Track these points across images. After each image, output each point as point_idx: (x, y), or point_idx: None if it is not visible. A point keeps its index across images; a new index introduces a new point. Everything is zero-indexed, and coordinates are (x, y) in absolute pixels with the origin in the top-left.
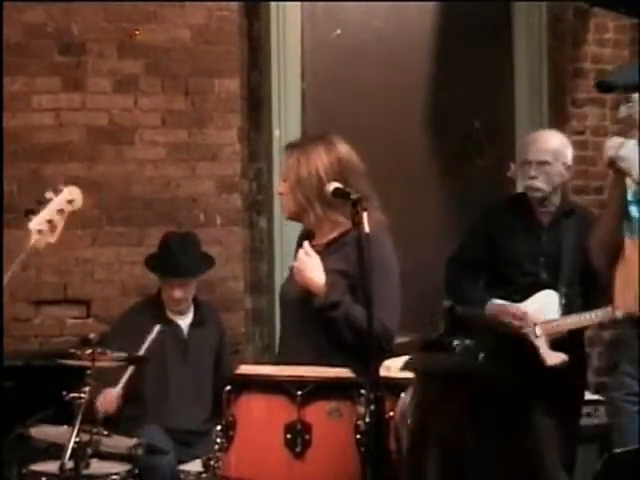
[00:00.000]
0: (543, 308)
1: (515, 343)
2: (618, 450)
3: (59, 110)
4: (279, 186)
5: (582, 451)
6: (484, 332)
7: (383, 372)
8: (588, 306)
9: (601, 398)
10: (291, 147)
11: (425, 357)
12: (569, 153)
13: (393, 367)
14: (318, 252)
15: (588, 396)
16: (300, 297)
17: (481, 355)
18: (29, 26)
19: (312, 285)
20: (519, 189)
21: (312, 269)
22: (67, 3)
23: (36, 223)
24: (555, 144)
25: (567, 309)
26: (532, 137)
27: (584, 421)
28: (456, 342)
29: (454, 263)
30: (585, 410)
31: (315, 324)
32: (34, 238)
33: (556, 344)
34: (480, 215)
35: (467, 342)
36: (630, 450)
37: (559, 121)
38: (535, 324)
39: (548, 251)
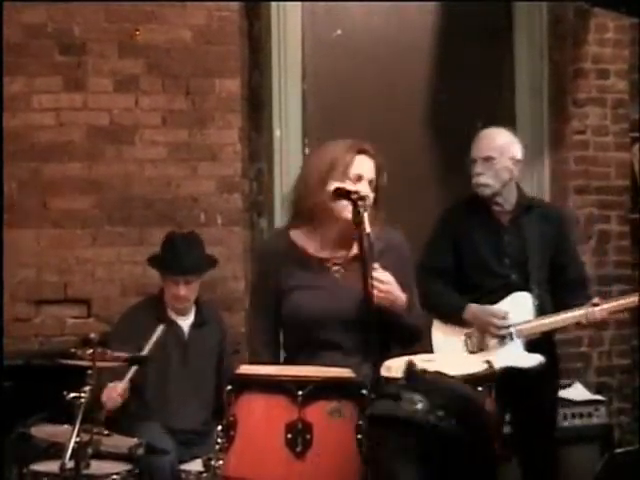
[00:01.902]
0: (517, 310)
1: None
2: (619, 450)
3: (59, 110)
4: (368, 189)
5: (582, 451)
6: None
7: (384, 372)
8: (558, 303)
9: (602, 398)
10: (374, 152)
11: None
12: (516, 149)
13: (393, 367)
14: (347, 264)
15: (589, 396)
16: (354, 311)
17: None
18: (29, 26)
19: (398, 302)
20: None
21: (396, 287)
22: (67, 3)
23: None
24: (500, 140)
25: (540, 309)
26: (478, 136)
27: (584, 421)
28: (405, 394)
29: (424, 271)
30: (586, 410)
31: (361, 332)
32: None
33: (528, 346)
34: (441, 220)
35: (415, 396)
36: (631, 450)
37: (560, 121)
38: (510, 327)
39: (512, 251)
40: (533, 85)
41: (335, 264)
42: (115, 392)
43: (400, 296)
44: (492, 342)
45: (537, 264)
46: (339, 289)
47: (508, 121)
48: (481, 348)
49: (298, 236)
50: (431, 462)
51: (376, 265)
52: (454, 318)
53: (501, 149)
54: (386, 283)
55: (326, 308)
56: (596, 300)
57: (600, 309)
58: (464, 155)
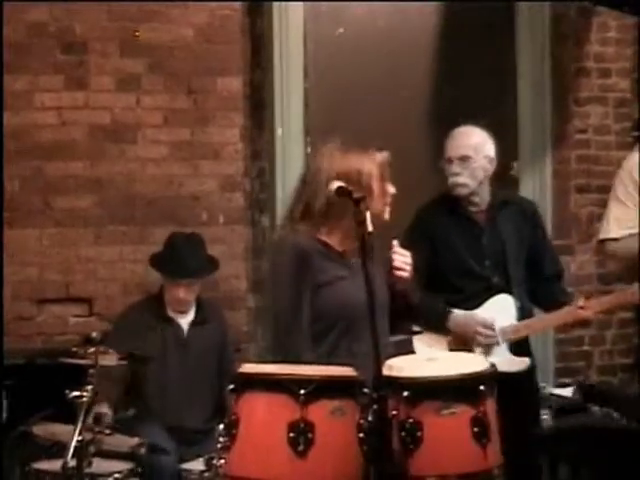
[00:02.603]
0: (500, 313)
1: None
2: None
3: (62, 109)
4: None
5: None
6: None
7: (386, 371)
8: (537, 298)
9: None
10: None
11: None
12: (490, 147)
13: (395, 366)
14: (355, 256)
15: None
16: (385, 296)
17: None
18: (32, 25)
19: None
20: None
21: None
22: (70, 2)
23: None
24: (475, 139)
25: (521, 311)
26: (451, 135)
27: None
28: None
29: None
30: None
31: (387, 318)
32: None
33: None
34: (415, 221)
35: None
36: None
37: (562, 120)
38: (497, 333)
39: (492, 252)
40: (535, 84)
41: (353, 256)
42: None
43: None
44: (478, 350)
45: (515, 264)
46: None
47: (510, 120)
48: None
49: (320, 233)
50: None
51: (395, 242)
52: (437, 326)
53: (476, 148)
54: (408, 258)
55: (364, 296)
56: (581, 303)
57: (586, 309)
58: None
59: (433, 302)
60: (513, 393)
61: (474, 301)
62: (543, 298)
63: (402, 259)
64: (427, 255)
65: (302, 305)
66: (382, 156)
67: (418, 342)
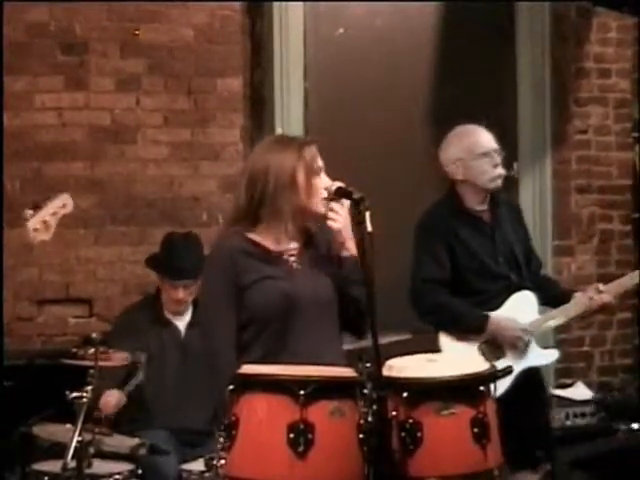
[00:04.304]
0: (523, 310)
1: None
2: None
3: (62, 109)
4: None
5: None
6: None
7: (386, 371)
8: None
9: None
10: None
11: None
12: None
13: (395, 367)
14: (300, 255)
15: (591, 395)
16: (322, 296)
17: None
18: (32, 25)
19: (350, 244)
20: (474, 186)
21: (349, 226)
22: (70, 2)
23: (33, 222)
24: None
25: None
26: (475, 131)
27: (586, 420)
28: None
29: (428, 284)
30: (588, 409)
31: (333, 316)
32: (31, 235)
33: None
34: (429, 226)
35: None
36: None
37: (562, 120)
38: (524, 328)
39: (504, 250)
40: (535, 84)
41: (291, 255)
42: (111, 401)
43: (350, 239)
44: (511, 353)
45: (523, 261)
46: (302, 277)
47: (510, 120)
48: (498, 356)
49: (252, 234)
50: None
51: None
52: (475, 330)
53: None
54: (342, 212)
55: (299, 294)
56: (601, 287)
57: (605, 293)
58: None
59: (468, 307)
60: (539, 385)
61: (495, 301)
62: (539, 292)
63: (336, 209)
64: (448, 261)
65: (224, 306)
66: (309, 150)
67: (443, 336)
